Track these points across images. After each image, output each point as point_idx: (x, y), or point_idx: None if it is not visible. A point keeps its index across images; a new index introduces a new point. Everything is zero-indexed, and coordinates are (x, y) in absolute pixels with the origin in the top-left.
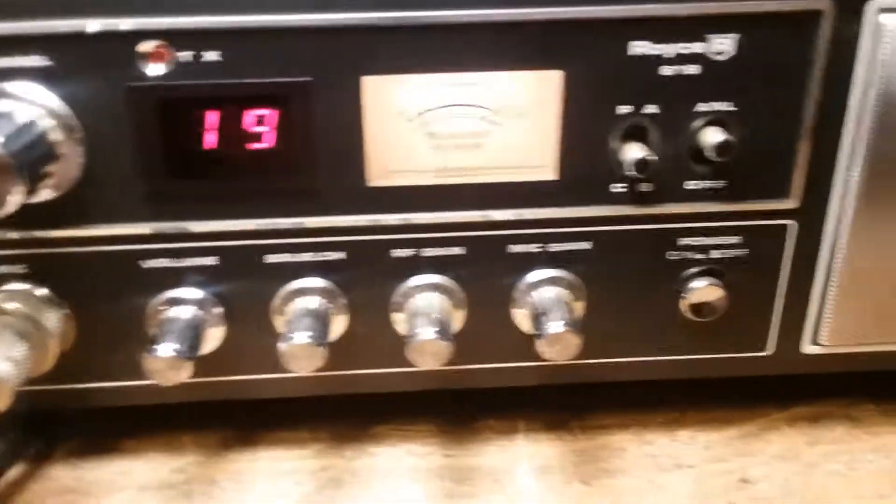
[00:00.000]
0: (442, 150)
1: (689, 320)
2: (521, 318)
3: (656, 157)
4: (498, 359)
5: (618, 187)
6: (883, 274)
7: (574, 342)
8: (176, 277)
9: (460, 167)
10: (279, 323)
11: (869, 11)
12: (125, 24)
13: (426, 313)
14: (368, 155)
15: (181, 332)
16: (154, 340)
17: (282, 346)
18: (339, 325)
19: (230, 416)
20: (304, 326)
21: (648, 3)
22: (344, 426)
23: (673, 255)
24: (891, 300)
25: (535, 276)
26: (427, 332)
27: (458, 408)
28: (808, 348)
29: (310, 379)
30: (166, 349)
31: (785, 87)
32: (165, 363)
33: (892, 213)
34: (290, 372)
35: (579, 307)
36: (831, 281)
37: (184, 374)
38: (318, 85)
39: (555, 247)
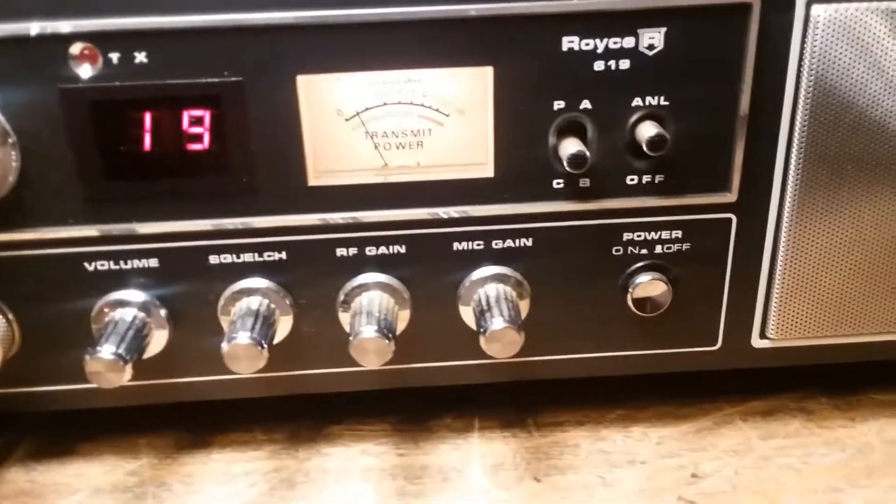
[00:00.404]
0: (382, 148)
1: (636, 316)
2: (468, 316)
3: (588, 153)
4: (446, 357)
5: (557, 183)
6: (826, 266)
7: (515, 339)
8: (119, 280)
9: (402, 165)
10: (225, 324)
11: (799, 4)
12: (55, 26)
13: (369, 311)
14: (307, 154)
15: (123, 334)
16: (95, 343)
17: (224, 346)
18: (284, 326)
19: (186, 417)
20: (246, 327)
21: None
22: (299, 427)
23: (616, 251)
24: (836, 292)
25: (479, 273)
26: (368, 331)
27: (414, 406)
28: (757, 342)
29: (258, 380)
30: (107, 351)
31: (718, 80)
32: (105, 365)
33: (832, 204)
34: (234, 373)
35: (524, 305)
36: (776, 274)
37: (124, 377)
38: (250, 85)
39: (497, 244)
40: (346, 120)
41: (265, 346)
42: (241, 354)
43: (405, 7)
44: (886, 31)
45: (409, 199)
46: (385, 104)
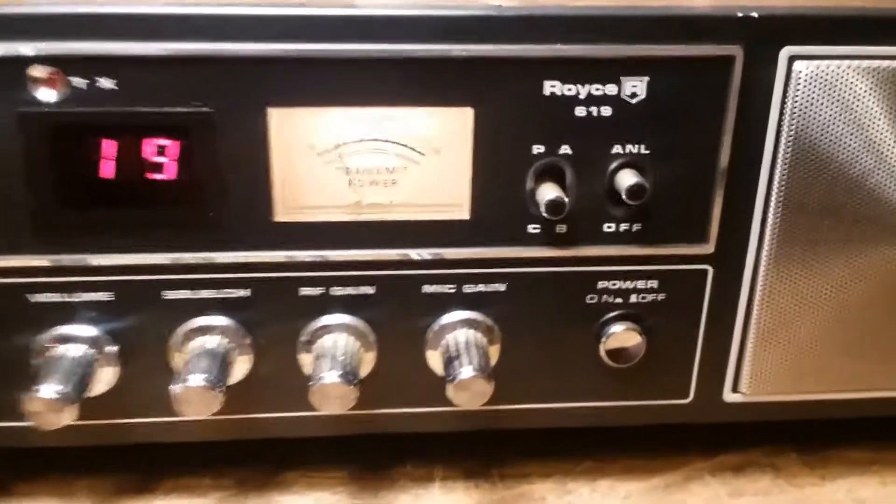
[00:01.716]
0: (355, 185)
1: (609, 366)
2: (436, 361)
3: (566, 199)
4: (411, 403)
5: (533, 228)
6: (801, 322)
7: (484, 389)
8: (67, 313)
9: (374, 203)
10: (178, 363)
11: (781, 58)
12: (17, 48)
13: (332, 355)
14: (276, 189)
15: (68, 372)
16: (35, 380)
17: (175, 388)
18: (241, 367)
19: (130, 458)
20: (201, 368)
21: (561, 44)
22: (250, 472)
23: (591, 299)
24: (810, 348)
25: (448, 318)
26: (331, 376)
27: (373, 453)
28: (729, 396)
29: (210, 423)
30: (47, 390)
31: (698, 131)
32: (45, 405)
33: (808, 259)
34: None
35: (494, 351)
36: (750, 328)
37: (66, 418)
38: (219, 116)
39: (469, 288)
40: (319, 154)
41: (220, 389)
42: (194, 398)
43: (385, 44)
44: (867, 89)
45: (379, 238)
46: (361, 140)
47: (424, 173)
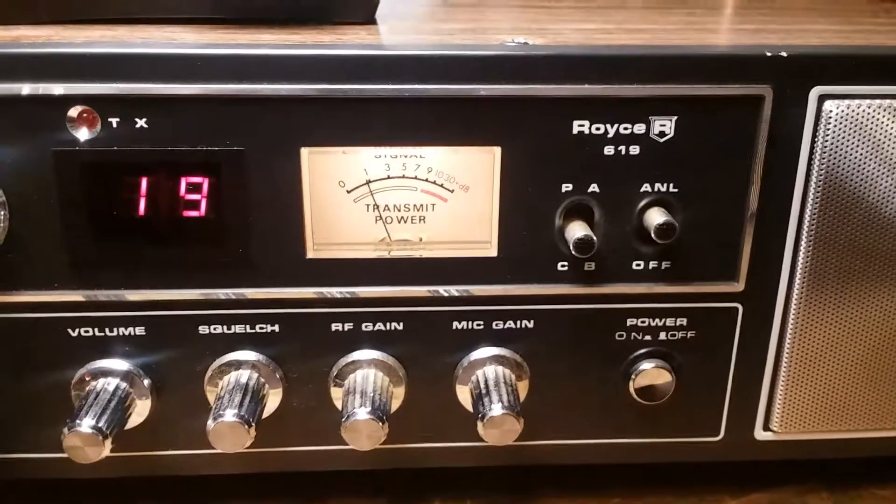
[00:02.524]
0: (384, 222)
1: (638, 403)
2: (465, 397)
3: (595, 238)
4: (440, 438)
5: (562, 266)
6: (833, 359)
7: (515, 427)
8: (104, 348)
9: (403, 240)
10: (211, 397)
11: (811, 98)
12: (53, 88)
13: (363, 391)
14: (307, 226)
15: (104, 406)
16: (75, 415)
17: (209, 424)
18: (273, 401)
19: (159, 490)
20: (234, 403)
21: (589, 84)
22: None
23: (620, 336)
24: (841, 386)
25: (478, 354)
26: (362, 413)
27: (402, 486)
28: (760, 434)
29: (242, 455)
30: (86, 425)
31: (728, 170)
32: (84, 440)
33: (840, 297)
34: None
35: (522, 387)
36: (781, 366)
37: (103, 452)
38: (252, 155)
39: (498, 325)
40: (349, 192)
41: (252, 423)
42: (227, 433)
43: (414, 84)
44: None
45: (409, 275)
46: (389, 177)
47: (452, 210)
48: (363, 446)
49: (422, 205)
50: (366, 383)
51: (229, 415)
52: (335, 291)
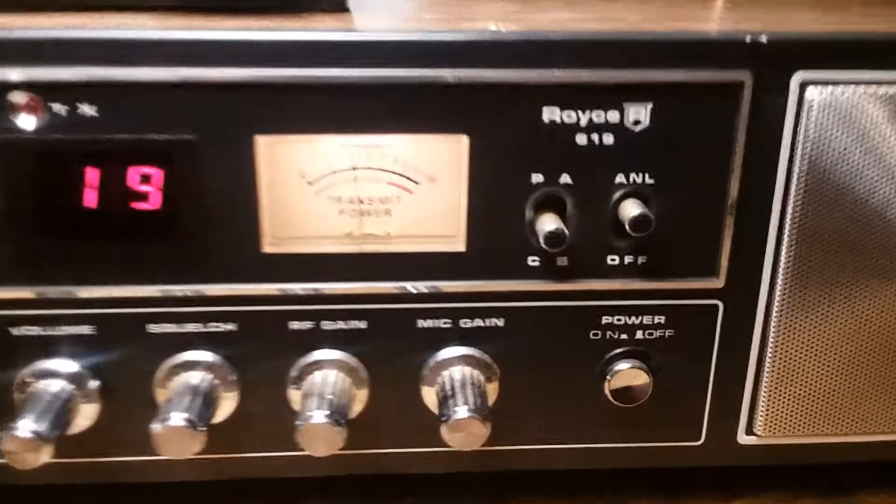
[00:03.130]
0: (347, 215)
1: (614, 406)
2: (432, 399)
3: (566, 231)
4: (406, 443)
5: (533, 261)
6: (818, 358)
7: (480, 431)
8: (48, 347)
9: (367, 234)
10: (162, 399)
11: (793, 84)
12: None
13: (321, 393)
14: (263, 219)
15: (46, 408)
16: (13, 418)
17: (154, 427)
18: (228, 404)
19: (112, 499)
20: (183, 406)
21: (560, 70)
22: None
23: (594, 335)
24: (828, 387)
25: (444, 354)
26: (318, 416)
27: (368, 493)
28: (743, 438)
29: (196, 462)
30: (24, 428)
31: (706, 160)
32: (22, 445)
33: (825, 293)
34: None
35: (492, 388)
36: (764, 366)
37: (42, 457)
38: (204, 143)
39: (466, 323)
40: (310, 184)
41: (202, 427)
42: (175, 437)
43: (377, 70)
44: (884, 117)
45: (372, 270)
46: (353, 168)
47: (419, 203)
48: (320, 452)
49: (387, 197)
50: (325, 385)
51: (177, 418)
52: (294, 288)
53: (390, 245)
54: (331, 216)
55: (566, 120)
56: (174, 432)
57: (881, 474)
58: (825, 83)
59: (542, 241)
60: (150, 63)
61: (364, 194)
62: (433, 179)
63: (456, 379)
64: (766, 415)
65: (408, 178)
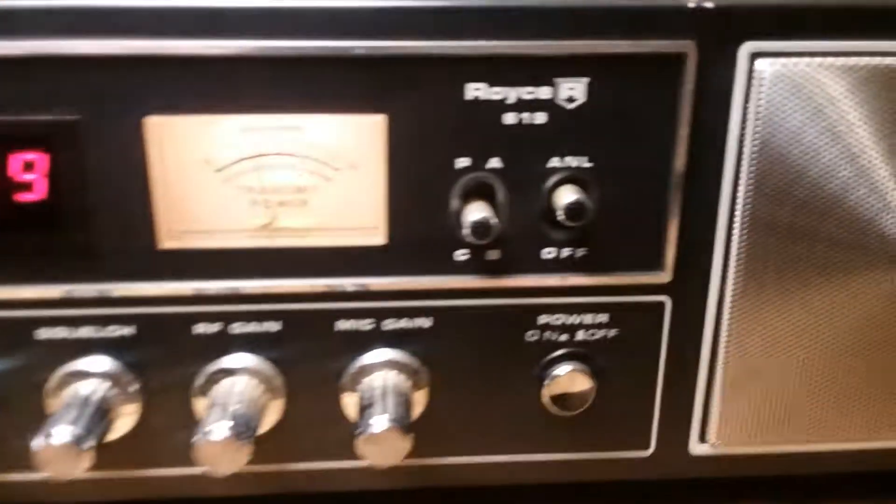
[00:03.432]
0: (258, 206)
1: (555, 413)
2: (353, 408)
3: (494, 221)
4: (326, 457)
5: (461, 255)
6: (775, 361)
7: (398, 444)
8: None
9: (280, 227)
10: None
11: (741, 56)
12: None
13: (224, 403)
14: (158, 211)
15: None
16: None
17: (35, 444)
18: (127, 416)
19: None
20: (67, 420)
21: (485, 40)
22: None
23: (531, 336)
24: (786, 392)
25: (367, 358)
26: (219, 429)
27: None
28: (696, 448)
29: (87, 482)
30: None
31: (648, 141)
32: None
33: (781, 288)
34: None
35: (420, 396)
36: (717, 368)
37: None
38: (87, 125)
39: (390, 324)
40: (217, 171)
41: (89, 444)
42: (57, 455)
43: (280, 41)
44: (842, 91)
45: (286, 267)
46: (263, 154)
47: (338, 192)
48: (221, 470)
49: (303, 186)
50: (230, 395)
51: (61, 433)
52: (197, 287)
53: (306, 239)
54: (241, 208)
55: (492, 97)
56: (56, 450)
57: (849, 486)
58: (777, 54)
59: (469, 232)
60: (27, 35)
61: (277, 183)
62: (355, 166)
63: (376, 387)
64: (720, 421)
65: (325, 164)
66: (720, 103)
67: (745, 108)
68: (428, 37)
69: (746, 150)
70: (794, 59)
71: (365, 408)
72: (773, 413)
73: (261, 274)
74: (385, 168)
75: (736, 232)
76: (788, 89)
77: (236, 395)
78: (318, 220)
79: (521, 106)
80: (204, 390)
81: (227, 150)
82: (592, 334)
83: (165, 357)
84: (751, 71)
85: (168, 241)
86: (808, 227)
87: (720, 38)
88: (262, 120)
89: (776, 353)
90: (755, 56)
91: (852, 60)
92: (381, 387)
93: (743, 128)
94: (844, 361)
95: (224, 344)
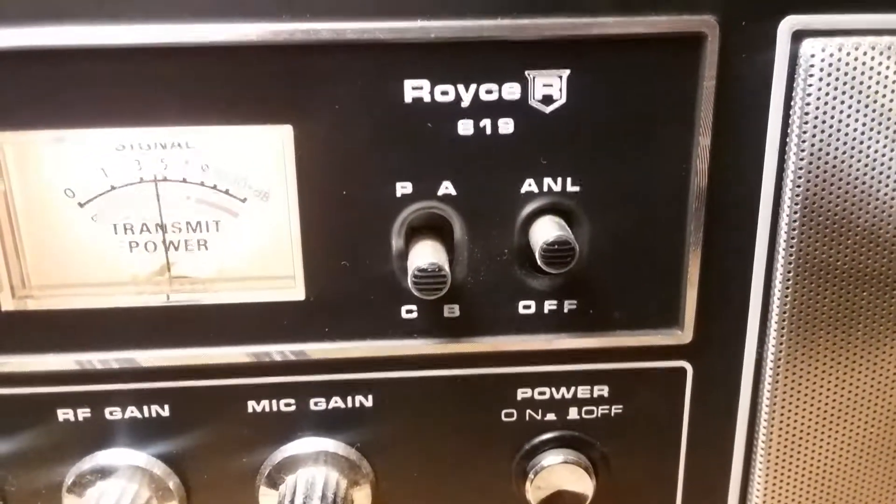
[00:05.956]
0: (140, 251)
1: None
2: None
3: (446, 268)
4: None
5: (408, 311)
6: (829, 428)
7: None
8: None
9: (171, 278)
10: None
11: (781, 35)
12: None
13: None
14: (6, 261)
15: None
16: None
17: None
18: None
19: None
20: None
21: (427, 20)
22: None
23: (507, 417)
24: (841, 472)
25: (290, 449)
26: None
27: None
28: None
29: None
30: None
31: (655, 154)
32: None
33: (838, 347)
34: None
35: (361, 496)
36: (756, 451)
37: None
38: None
39: (318, 404)
40: (80, 205)
41: None
42: None
43: (155, 27)
44: None
45: (177, 331)
46: (143, 181)
47: (246, 230)
48: None
49: (199, 223)
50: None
51: None
52: (59, 361)
53: (206, 293)
54: (115, 253)
55: (440, 98)
56: None
57: None
58: (830, 33)
59: (415, 281)
60: None
61: (167, 220)
62: (264, 195)
63: (300, 487)
64: None
65: (227, 194)
66: (754, 101)
67: (787, 108)
68: (348, 16)
69: (791, 164)
70: (854, 40)
71: None
72: (828, 490)
73: (144, 343)
74: (296, 196)
75: (779, 274)
76: (845, 79)
77: (114, 499)
78: (220, 269)
79: (480, 110)
80: (75, 489)
81: (94, 177)
82: (589, 413)
83: (26, 451)
84: (795, 56)
85: (17, 300)
86: (876, 268)
87: (752, 12)
88: (138, 135)
89: (832, 429)
90: (800, 35)
91: None
92: (303, 491)
93: (785, 134)
94: None
95: (99, 435)
